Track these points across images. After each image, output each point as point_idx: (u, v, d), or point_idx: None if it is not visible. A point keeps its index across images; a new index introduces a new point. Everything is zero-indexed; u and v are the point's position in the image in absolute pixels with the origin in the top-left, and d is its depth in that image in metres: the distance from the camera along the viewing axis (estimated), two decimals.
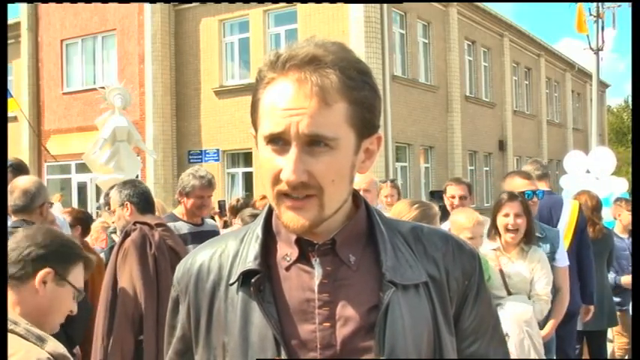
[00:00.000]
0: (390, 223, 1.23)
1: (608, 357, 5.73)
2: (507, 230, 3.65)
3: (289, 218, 1.09)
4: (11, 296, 1.85)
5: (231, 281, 1.17)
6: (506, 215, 3.65)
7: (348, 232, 1.16)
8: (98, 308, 3.35)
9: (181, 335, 1.25)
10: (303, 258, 1.15)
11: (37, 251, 1.89)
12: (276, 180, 1.08)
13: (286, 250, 1.16)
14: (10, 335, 1.68)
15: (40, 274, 1.87)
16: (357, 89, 1.09)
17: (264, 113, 1.10)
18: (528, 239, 3.67)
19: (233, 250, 1.21)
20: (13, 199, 3.32)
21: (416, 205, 3.41)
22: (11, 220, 3.73)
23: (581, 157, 9.72)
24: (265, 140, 1.09)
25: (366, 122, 1.12)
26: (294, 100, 1.06)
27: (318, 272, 1.14)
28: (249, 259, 1.16)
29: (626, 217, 6.11)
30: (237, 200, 6.51)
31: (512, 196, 3.73)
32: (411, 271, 1.15)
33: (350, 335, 1.11)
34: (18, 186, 3.37)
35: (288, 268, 1.16)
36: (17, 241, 1.91)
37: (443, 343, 1.15)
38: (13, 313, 1.77)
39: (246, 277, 1.15)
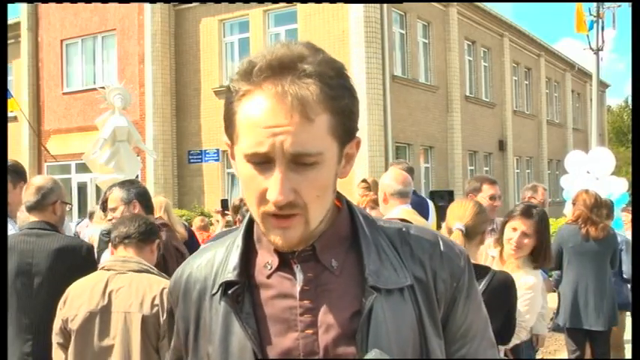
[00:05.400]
0: (375, 224, 1.19)
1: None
2: (509, 244, 3.48)
3: (276, 237, 1.07)
4: (133, 253, 2.93)
5: (212, 292, 1.16)
6: (514, 229, 3.47)
7: (329, 237, 1.13)
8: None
9: (174, 346, 1.26)
10: (285, 265, 1.13)
11: (149, 226, 3.03)
12: (262, 200, 1.05)
13: (267, 258, 1.14)
14: (150, 275, 2.87)
15: (156, 242, 3.06)
16: (338, 98, 1.05)
17: (243, 129, 1.05)
18: (535, 260, 3.47)
19: (218, 258, 1.19)
20: (27, 196, 3.37)
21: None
22: (14, 221, 3.74)
23: (581, 157, 9.72)
24: (245, 158, 1.05)
25: (347, 130, 1.08)
26: (275, 116, 1.01)
27: (299, 278, 1.11)
28: (228, 269, 1.14)
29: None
30: (240, 200, 6.48)
31: (526, 212, 3.51)
32: (395, 274, 1.12)
33: (332, 342, 1.09)
34: (32, 184, 3.44)
35: (269, 276, 1.13)
36: (131, 219, 3.06)
37: (430, 346, 1.12)
38: (145, 262, 2.90)
39: (226, 288, 1.13)
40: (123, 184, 3.80)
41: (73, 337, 2.81)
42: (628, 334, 5.81)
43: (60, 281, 3.13)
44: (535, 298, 3.43)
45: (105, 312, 2.79)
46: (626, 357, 6.03)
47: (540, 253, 3.48)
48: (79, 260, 3.23)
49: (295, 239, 1.07)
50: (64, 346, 2.86)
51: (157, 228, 3.18)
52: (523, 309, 3.38)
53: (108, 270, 2.91)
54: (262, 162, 1.03)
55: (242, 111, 1.05)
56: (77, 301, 2.85)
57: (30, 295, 3.14)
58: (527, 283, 3.41)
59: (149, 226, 3.04)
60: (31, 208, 3.34)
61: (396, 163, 5.83)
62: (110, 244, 3.07)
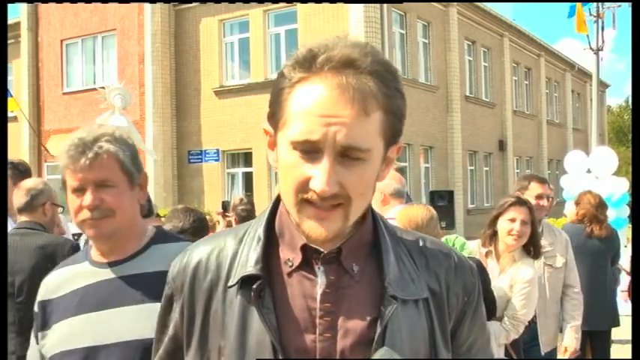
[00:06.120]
0: (395, 233, 1.20)
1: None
2: (510, 235, 3.49)
3: (311, 227, 1.05)
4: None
5: (230, 283, 1.13)
6: (512, 220, 3.49)
7: (355, 242, 1.13)
8: None
9: (173, 334, 1.22)
10: (306, 264, 1.11)
11: (202, 221, 3.11)
12: (303, 188, 1.03)
13: (289, 255, 1.13)
14: None
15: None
16: (393, 98, 1.06)
17: (295, 115, 1.03)
18: (529, 252, 3.50)
19: (232, 249, 1.17)
20: (17, 197, 3.41)
21: (428, 210, 3.24)
22: (14, 220, 3.76)
23: (582, 157, 9.70)
24: (292, 145, 1.03)
25: (395, 132, 1.09)
26: (334, 106, 1.01)
27: (321, 281, 1.10)
28: (249, 262, 1.12)
29: None
30: (240, 199, 6.46)
31: (520, 201, 3.55)
32: (413, 285, 1.13)
33: (350, 347, 1.08)
34: (23, 186, 3.47)
35: (290, 274, 1.12)
36: (184, 212, 3.13)
37: (439, 358, 1.14)
38: None
39: (245, 281, 1.11)
40: None
41: None
42: (626, 334, 5.81)
43: (42, 279, 3.15)
44: (532, 292, 3.44)
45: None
46: (625, 357, 6.04)
47: (533, 243, 3.51)
48: (61, 258, 3.24)
49: (332, 232, 1.06)
50: None
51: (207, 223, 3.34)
52: (520, 303, 3.39)
53: None
54: (310, 151, 1.02)
55: (295, 98, 1.04)
56: None
57: (12, 293, 3.16)
58: (525, 277, 3.42)
59: (202, 221, 3.11)
60: (21, 210, 3.40)
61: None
62: None
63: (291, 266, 1.12)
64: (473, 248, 3.62)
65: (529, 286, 3.41)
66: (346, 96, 1.01)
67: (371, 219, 1.18)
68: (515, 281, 3.42)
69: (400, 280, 1.12)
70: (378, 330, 1.08)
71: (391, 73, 1.07)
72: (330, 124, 1.00)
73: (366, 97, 1.01)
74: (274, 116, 1.08)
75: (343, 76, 1.01)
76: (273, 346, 1.07)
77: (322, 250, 1.11)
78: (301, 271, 1.12)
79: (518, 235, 3.47)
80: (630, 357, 3.28)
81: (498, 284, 3.45)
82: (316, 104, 1.02)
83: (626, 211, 8.92)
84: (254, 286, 1.10)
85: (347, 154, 1.02)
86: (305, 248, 1.11)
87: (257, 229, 1.17)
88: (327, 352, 1.08)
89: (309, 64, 1.03)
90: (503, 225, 3.53)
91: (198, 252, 1.21)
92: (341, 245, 1.12)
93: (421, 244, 1.20)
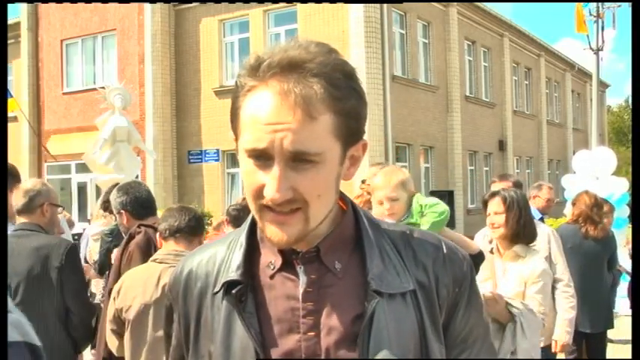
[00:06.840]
0: (379, 226, 1.19)
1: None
2: (491, 229, 3.61)
3: (272, 232, 1.07)
4: (183, 246, 2.96)
5: (215, 290, 1.15)
6: (488, 214, 3.62)
7: (333, 239, 1.14)
8: (103, 311, 3.37)
9: (176, 344, 1.24)
10: (288, 266, 1.13)
11: (198, 220, 3.11)
12: (259, 195, 1.05)
13: (270, 258, 1.14)
14: None
15: (203, 235, 3.15)
16: (344, 99, 1.05)
17: (245, 124, 1.05)
18: (524, 242, 3.52)
19: (220, 256, 1.19)
20: (16, 199, 3.39)
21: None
22: (12, 222, 3.76)
23: (589, 156, 9.71)
24: (246, 153, 1.05)
25: (352, 131, 1.08)
26: (277, 114, 1.01)
27: (302, 280, 1.11)
28: (231, 268, 1.14)
29: None
30: (243, 199, 6.45)
31: (491, 194, 3.71)
32: (398, 278, 1.12)
33: (334, 345, 1.09)
34: (21, 187, 3.47)
35: (272, 277, 1.13)
36: (179, 210, 3.09)
37: (431, 351, 1.13)
38: None
39: (229, 287, 1.13)
40: (119, 189, 3.80)
41: (129, 327, 2.91)
42: (626, 334, 5.80)
43: (39, 280, 3.15)
44: (545, 285, 3.43)
45: (158, 304, 2.79)
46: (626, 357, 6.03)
47: (523, 230, 3.51)
48: (57, 258, 3.22)
49: (293, 236, 1.06)
50: (118, 333, 3.01)
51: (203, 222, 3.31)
52: (538, 297, 3.35)
53: (160, 263, 2.97)
54: (261, 158, 1.04)
55: (246, 106, 1.06)
56: (131, 292, 2.93)
57: (9, 294, 3.15)
58: (535, 272, 3.41)
59: (198, 220, 3.13)
60: (20, 211, 3.38)
61: (376, 164, 5.84)
62: (158, 235, 3.14)
63: (273, 269, 1.13)
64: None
65: (542, 280, 3.42)
66: (289, 102, 1.01)
67: (352, 214, 1.18)
68: (526, 278, 3.42)
69: (384, 275, 1.12)
70: (362, 325, 1.08)
71: (343, 73, 1.06)
72: (276, 130, 1.01)
73: (309, 102, 1.01)
74: (232, 124, 1.10)
75: (285, 82, 1.02)
76: (256, 350, 1.08)
77: (299, 250, 1.11)
78: (283, 273, 1.13)
79: (492, 226, 3.55)
80: (630, 357, 3.27)
81: (508, 283, 3.45)
82: (262, 112, 1.02)
83: (626, 211, 8.91)
84: (233, 291, 1.11)
85: (298, 159, 1.02)
86: (283, 250, 1.12)
87: (240, 235, 1.19)
88: (311, 352, 1.09)
89: (255, 72, 1.04)
90: (487, 222, 3.65)
91: (190, 262, 1.23)
92: (318, 244, 1.12)
93: (408, 236, 1.19)
